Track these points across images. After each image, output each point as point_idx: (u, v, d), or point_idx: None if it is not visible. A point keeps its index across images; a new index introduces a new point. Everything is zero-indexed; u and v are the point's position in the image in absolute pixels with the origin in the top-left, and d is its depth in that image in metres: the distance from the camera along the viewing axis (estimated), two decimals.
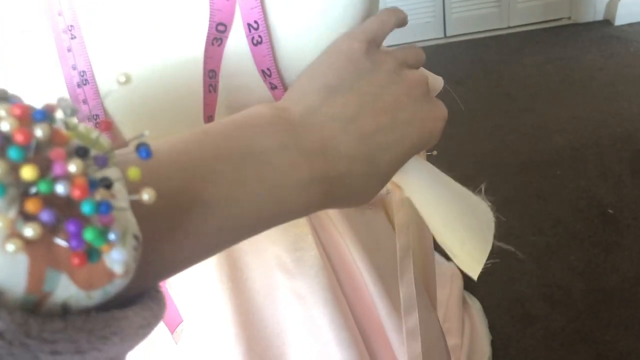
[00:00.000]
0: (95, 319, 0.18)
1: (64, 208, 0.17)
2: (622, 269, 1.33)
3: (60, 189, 0.16)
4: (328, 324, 0.43)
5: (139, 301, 0.21)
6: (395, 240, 0.46)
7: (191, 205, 0.24)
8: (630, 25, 2.42)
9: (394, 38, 0.72)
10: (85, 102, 0.34)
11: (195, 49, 0.34)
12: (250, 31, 0.33)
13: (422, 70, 0.44)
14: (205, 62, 0.34)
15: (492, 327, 1.24)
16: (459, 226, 0.39)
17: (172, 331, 0.42)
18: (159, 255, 0.23)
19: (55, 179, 0.16)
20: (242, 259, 0.43)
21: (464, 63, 2.36)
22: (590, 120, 1.85)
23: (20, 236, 0.16)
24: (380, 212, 0.49)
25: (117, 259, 0.18)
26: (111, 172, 0.19)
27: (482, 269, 0.41)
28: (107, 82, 0.34)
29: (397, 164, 0.33)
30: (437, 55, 2.47)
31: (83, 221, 0.17)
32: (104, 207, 0.17)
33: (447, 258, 1.04)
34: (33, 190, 0.16)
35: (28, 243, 0.16)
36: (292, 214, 0.29)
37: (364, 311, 0.47)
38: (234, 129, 0.28)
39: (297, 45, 0.34)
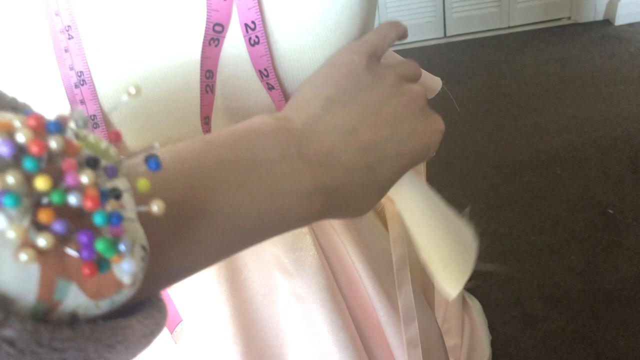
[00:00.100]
0: (102, 328, 0.18)
1: (75, 218, 0.17)
2: (622, 269, 1.33)
3: (72, 200, 0.17)
4: (326, 325, 0.43)
5: (141, 309, 0.21)
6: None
7: (194, 214, 0.24)
8: (630, 25, 2.42)
9: None
10: (82, 102, 0.34)
11: (192, 49, 0.34)
12: (247, 31, 0.33)
13: (421, 71, 0.44)
14: (203, 63, 0.34)
15: (491, 327, 1.24)
16: (444, 247, 0.40)
17: (171, 331, 0.42)
18: (162, 264, 0.23)
19: (67, 190, 0.17)
20: (241, 259, 0.43)
21: (464, 63, 2.36)
22: (590, 120, 1.85)
23: (32, 246, 0.16)
24: (372, 214, 0.49)
25: (126, 269, 0.18)
26: (120, 183, 0.19)
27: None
28: (115, 93, 0.34)
29: (395, 176, 0.33)
30: (437, 55, 2.48)
31: (94, 232, 0.17)
32: (115, 219, 0.17)
33: None
34: (45, 200, 0.17)
35: (40, 253, 0.16)
36: (293, 224, 0.29)
37: (362, 312, 0.47)
38: (236, 138, 0.28)
39: (295, 46, 0.34)
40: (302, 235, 0.43)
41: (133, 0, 0.33)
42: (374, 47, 0.35)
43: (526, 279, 1.35)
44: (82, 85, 0.34)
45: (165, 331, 0.42)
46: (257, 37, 0.33)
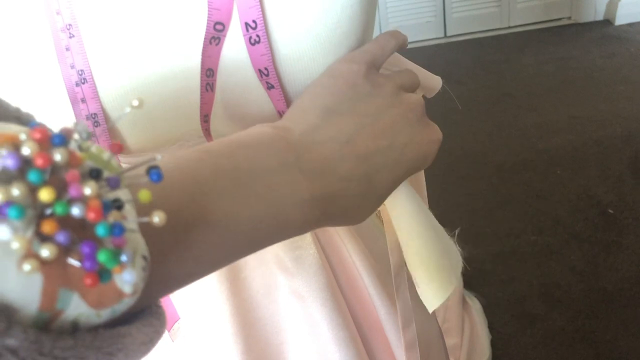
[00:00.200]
0: (102, 336, 0.19)
1: (78, 228, 0.18)
2: (622, 268, 1.33)
3: (75, 211, 0.17)
4: (327, 323, 0.43)
5: (141, 317, 0.22)
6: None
7: (193, 222, 0.25)
8: (630, 25, 2.42)
9: None
10: (83, 101, 0.34)
11: (193, 48, 0.34)
12: (247, 30, 0.33)
13: (421, 70, 0.44)
14: (203, 61, 0.34)
15: (491, 327, 1.24)
16: (430, 261, 0.41)
17: (168, 329, 0.42)
18: (161, 273, 0.24)
19: (70, 201, 0.17)
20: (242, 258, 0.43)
21: (464, 63, 2.36)
22: (590, 120, 1.85)
23: (36, 256, 0.16)
24: (374, 215, 0.49)
25: (127, 279, 0.18)
26: (122, 194, 0.19)
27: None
28: (116, 92, 0.34)
29: (392, 185, 0.34)
30: (437, 55, 2.48)
31: (97, 243, 0.17)
32: (117, 230, 0.18)
33: None
34: (48, 211, 0.17)
35: (43, 263, 0.17)
36: (290, 232, 0.29)
37: (362, 310, 0.47)
38: (235, 148, 0.28)
39: (295, 45, 0.34)
40: (303, 234, 0.43)
41: None
42: (373, 57, 0.35)
43: (526, 279, 1.35)
44: (83, 83, 0.34)
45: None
46: (257, 36, 0.33)
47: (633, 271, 1.32)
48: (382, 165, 0.32)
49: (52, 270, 0.17)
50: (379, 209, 0.47)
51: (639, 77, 2.04)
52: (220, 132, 0.37)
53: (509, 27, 2.58)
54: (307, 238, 0.44)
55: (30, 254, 0.16)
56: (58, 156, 0.17)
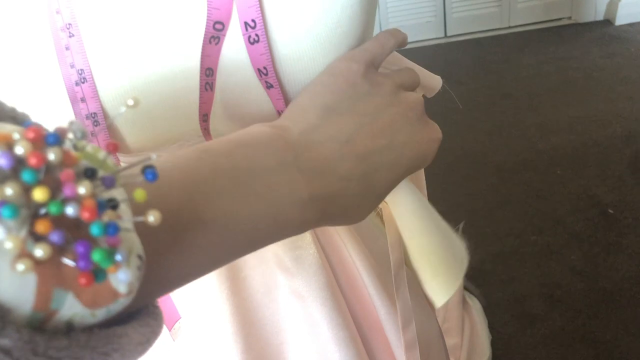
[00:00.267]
0: (98, 336, 0.18)
1: (72, 228, 0.17)
2: (622, 268, 1.33)
3: (70, 210, 0.17)
4: (326, 323, 0.43)
5: (137, 317, 0.21)
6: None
7: (190, 222, 0.25)
8: (630, 25, 2.42)
9: None
10: (83, 100, 0.34)
11: (193, 48, 0.34)
12: (247, 30, 0.33)
13: (421, 69, 0.44)
14: (203, 60, 0.34)
15: (492, 327, 1.24)
16: (434, 257, 0.41)
17: (169, 328, 0.42)
18: (159, 272, 0.24)
19: (65, 201, 0.17)
20: (241, 258, 0.43)
21: (465, 63, 2.36)
22: (590, 120, 1.85)
23: (30, 256, 0.16)
24: (374, 214, 0.49)
25: (122, 279, 0.18)
26: (117, 193, 0.19)
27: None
28: (115, 91, 0.34)
29: (391, 184, 0.34)
30: (437, 55, 2.48)
31: (91, 242, 0.17)
32: (111, 229, 0.18)
33: None
34: (42, 211, 0.17)
35: (37, 263, 0.17)
36: (289, 231, 0.29)
37: (362, 310, 0.47)
38: (234, 147, 0.28)
39: (295, 45, 0.34)
40: (303, 234, 0.43)
41: None
42: (372, 56, 0.35)
43: (526, 279, 1.35)
44: (83, 83, 0.34)
45: (164, 329, 0.42)
46: (257, 35, 0.33)
47: (633, 271, 1.32)
48: (381, 165, 0.32)
49: (46, 270, 0.17)
50: (379, 207, 0.47)
51: (639, 77, 2.04)
52: (220, 132, 0.37)
53: (509, 27, 2.59)
54: (307, 238, 0.43)
55: (24, 254, 0.16)
56: (52, 155, 0.17)
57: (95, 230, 0.17)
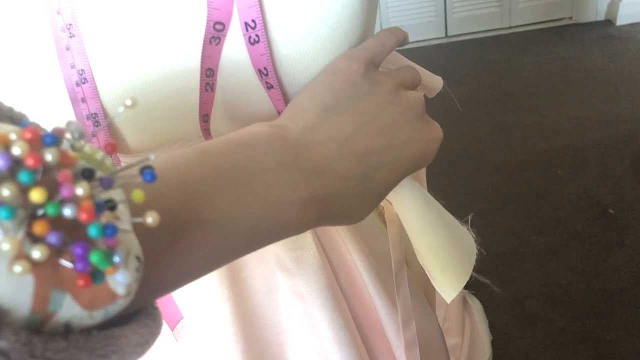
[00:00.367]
0: (96, 338, 0.18)
1: (70, 229, 0.17)
2: (622, 269, 1.33)
3: (67, 212, 0.17)
4: (327, 323, 0.43)
5: (136, 318, 0.21)
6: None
7: (189, 223, 0.24)
8: (631, 25, 2.41)
9: None
10: (84, 100, 0.34)
11: (194, 48, 0.34)
12: (247, 30, 0.33)
13: (422, 70, 0.44)
14: (203, 61, 0.34)
15: (492, 327, 1.24)
16: (442, 253, 0.40)
17: (172, 328, 0.42)
18: (157, 273, 0.23)
19: (62, 202, 0.17)
20: (242, 258, 0.43)
21: (465, 63, 2.36)
22: (591, 120, 1.85)
23: (27, 258, 0.16)
24: (373, 213, 0.49)
25: (120, 281, 0.18)
26: (116, 194, 0.19)
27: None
28: (116, 92, 0.34)
29: (391, 184, 0.33)
30: (438, 55, 2.48)
31: (89, 244, 0.17)
32: (109, 230, 0.17)
33: None
34: (40, 212, 0.17)
35: (34, 264, 0.16)
36: (288, 231, 0.29)
37: (363, 311, 0.47)
38: (233, 147, 0.28)
39: (296, 45, 0.34)
40: (303, 234, 0.43)
41: None
42: (373, 54, 0.35)
43: (527, 279, 1.35)
44: (84, 83, 0.34)
45: (166, 329, 0.43)
46: (257, 35, 0.33)
47: (634, 271, 1.32)
48: (380, 164, 0.32)
49: (44, 271, 0.17)
50: (381, 207, 0.47)
51: None
52: (220, 132, 0.37)
53: (510, 27, 2.58)
54: (308, 238, 0.43)
55: (21, 255, 0.16)
56: (49, 156, 0.17)
57: (93, 231, 0.17)
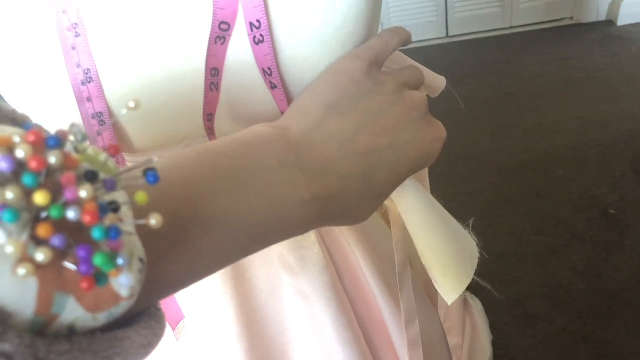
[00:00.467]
0: (99, 340, 0.18)
1: (74, 232, 0.17)
2: (623, 269, 1.33)
3: (71, 214, 0.17)
4: (331, 323, 0.43)
5: (139, 320, 0.21)
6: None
7: (191, 223, 0.24)
8: (633, 25, 2.41)
9: None
10: (89, 100, 0.35)
11: (199, 47, 0.34)
12: (252, 30, 0.33)
13: (424, 70, 0.44)
14: (208, 60, 0.34)
15: (493, 327, 1.24)
16: (444, 255, 0.40)
17: (173, 328, 0.42)
18: (160, 274, 0.23)
19: (66, 204, 0.17)
20: (246, 258, 0.43)
21: (466, 63, 2.36)
22: (592, 120, 1.85)
23: (31, 260, 0.16)
24: (377, 214, 0.49)
25: (124, 283, 0.18)
26: (119, 196, 0.19)
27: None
28: (122, 91, 0.34)
29: (394, 184, 0.33)
30: (439, 55, 2.48)
31: (93, 246, 0.17)
32: (113, 233, 0.17)
33: None
34: (44, 214, 0.17)
35: (38, 267, 0.16)
36: (290, 232, 0.29)
37: (366, 310, 0.47)
38: (235, 147, 0.28)
39: (301, 46, 0.34)
40: (307, 233, 0.43)
41: None
42: (376, 54, 0.34)
43: (528, 279, 1.35)
44: (89, 82, 0.34)
45: (168, 328, 0.43)
46: (262, 35, 0.33)
47: (635, 271, 1.32)
48: (383, 164, 0.32)
49: (48, 274, 0.17)
50: (385, 207, 0.47)
51: None
52: (225, 132, 0.37)
53: (511, 27, 2.58)
54: (312, 238, 0.44)
55: (25, 258, 0.16)
56: (53, 159, 0.17)
57: (96, 234, 0.17)
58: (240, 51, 0.34)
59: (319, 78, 0.34)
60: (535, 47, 2.38)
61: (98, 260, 0.17)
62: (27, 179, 0.16)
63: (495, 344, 1.21)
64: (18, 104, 0.36)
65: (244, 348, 0.43)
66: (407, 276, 0.45)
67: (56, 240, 0.16)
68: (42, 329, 0.17)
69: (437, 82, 0.45)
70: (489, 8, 2.56)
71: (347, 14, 0.34)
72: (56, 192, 0.17)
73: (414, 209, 0.41)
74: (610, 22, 2.47)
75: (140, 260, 0.20)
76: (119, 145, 0.37)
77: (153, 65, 0.34)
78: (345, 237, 0.45)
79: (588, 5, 2.49)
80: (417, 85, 0.37)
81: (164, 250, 0.23)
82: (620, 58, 2.19)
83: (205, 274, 0.26)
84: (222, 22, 0.33)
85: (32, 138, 0.17)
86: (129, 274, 0.18)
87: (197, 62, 0.34)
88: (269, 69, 0.34)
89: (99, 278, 0.17)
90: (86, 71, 0.34)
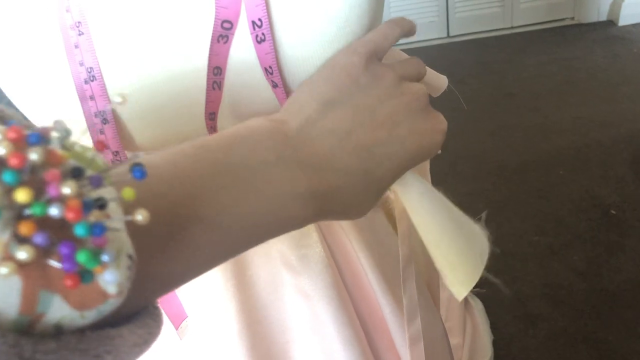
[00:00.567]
0: (89, 339, 0.18)
1: (58, 229, 0.17)
2: (624, 269, 1.33)
3: (54, 211, 0.16)
4: (332, 322, 0.43)
5: (136, 318, 0.21)
6: (396, 238, 0.46)
7: (188, 219, 0.24)
8: (634, 25, 2.41)
9: None
10: (92, 98, 0.35)
11: (201, 46, 0.34)
12: (254, 29, 0.33)
13: (426, 69, 0.44)
14: (210, 59, 0.34)
15: (494, 327, 1.24)
16: (452, 250, 0.40)
17: (176, 327, 0.42)
18: (157, 271, 0.23)
19: (49, 201, 0.16)
20: (247, 256, 0.43)
21: (467, 63, 2.36)
22: (593, 121, 1.85)
23: (13, 259, 0.16)
24: (380, 211, 0.49)
25: (110, 280, 0.18)
26: (106, 192, 0.19)
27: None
28: (124, 90, 0.34)
29: (392, 177, 0.33)
30: (440, 55, 2.47)
31: (76, 243, 0.17)
32: (97, 229, 0.17)
33: None
34: (27, 212, 0.16)
35: (21, 266, 0.16)
36: (288, 227, 0.29)
37: (367, 309, 0.47)
38: (232, 142, 0.28)
39: (302, 44, 0.34)
40: (309, 232, 0.44)
41: None
42: (375, 46, 0.34)
43: (529, 279, 1.35)
44: (92, 81, 0.34)
45: (170, 327, 0.43)
46: (263, 34, 0.33)
47: (635, 272, 1.32)
48: (381, 158, 0.32)
49: (31, 272, 0.16)
50: (390, 203, 0.47)
51: None
52: None
53: (512, 28, 2.58)
54: (313, 236, 0.44)
55: (7, 257, 0.16)
56: (34, 155, 0.16)
57: (79, 230, 0.17)
58: (242, 50, 0.34)
59: (316, 73, 0.34)
60: (536, 47, 2.38)
61: (81, 257, 0.17)
62: (7, 177, 0.16)
63: (496, 343, 1.21)
64: (21, 102, 0.36)
65: (245, 347, 0.43)
66: (411, 270, 0.45)
67: (39, 238, 0.16)
68: (27, 328, 0.17)
69: (439, 81, 0.45)
70: (490, 8, 2.56)
71: (349, 14, 0.33)
72: (40, 189, 0.16)
73: (420, 205, 0.40)
74: (611, 22, 2.47)
75: (129, 256, 0.19)
76: (122, 143, 0.37)
77: (156, 64, 0.34)
78: (346, 235, 0.45)
79: (589, 6, 2.49)
80: (417, 78, 0.36)
81: (160, 247, 0.23)
82: (621, 58, 2.19)
83: (203, 270, 0.26)
84: (225, 21, 0.33)
85: (12, 135, 0.17)
86: (116, 270, 0.18)
87: (197, 61, 0.34)
88: (270, 67, 0.34)
89: (83, 275, 0.17)
90: (89, 70, 0.34)
